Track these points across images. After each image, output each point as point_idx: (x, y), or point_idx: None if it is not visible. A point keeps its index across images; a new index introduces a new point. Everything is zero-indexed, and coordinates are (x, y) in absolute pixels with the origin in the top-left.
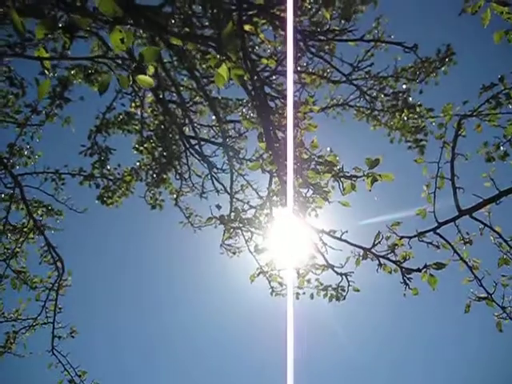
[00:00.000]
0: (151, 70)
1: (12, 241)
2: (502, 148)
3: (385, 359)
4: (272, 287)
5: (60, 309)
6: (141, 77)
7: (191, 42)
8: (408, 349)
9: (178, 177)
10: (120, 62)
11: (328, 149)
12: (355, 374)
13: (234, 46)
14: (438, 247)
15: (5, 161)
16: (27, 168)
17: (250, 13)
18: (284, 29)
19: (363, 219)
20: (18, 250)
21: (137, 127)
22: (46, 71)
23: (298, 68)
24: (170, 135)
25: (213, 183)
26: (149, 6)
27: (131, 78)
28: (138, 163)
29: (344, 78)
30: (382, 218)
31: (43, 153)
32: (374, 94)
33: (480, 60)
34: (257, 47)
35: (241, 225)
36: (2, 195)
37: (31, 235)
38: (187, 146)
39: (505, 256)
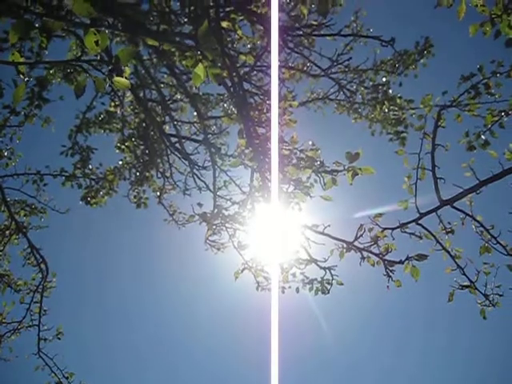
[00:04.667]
0: (128, 71)
1: None
2: (482, 137)
3: (370, 351)
4: (258, 282)
5: (45, 311)
6: (117, 79)
7: (168, 42)
8: (393, 339)
9: (160, 175)
10: (96, 64)
11: (310, 142)
12: (341, 367)
13: (211, 45)
14: (420, 238)
15: None
16: (7, 170)
17: (228, 9)
18: (262, 24)
19: (347, 212)
20: (0, 252)
21: (118, 126)
22: (21, 76)
23: (278, 63)
24: (152, 133)
25: (194, 181)
26: (126, 4)
27: (107, 81)
28: (120, 162)
29: (323, 73)
30: (365, 211)
31: (23, 154)
32: (354, 87)
33: (457, 52)
34: (235, 43)
35: (224, 221)
36: None
37: (14, 237)
38: (168, 144)
39: (486, 244)
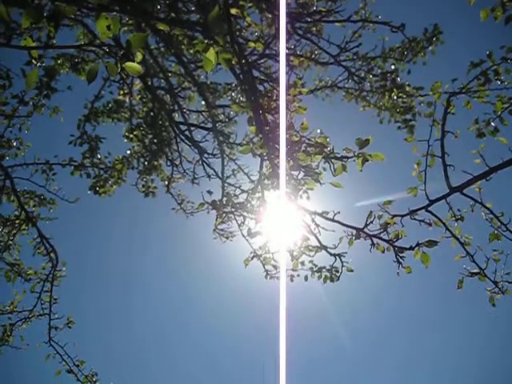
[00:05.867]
0: (139, 57)
1: (4, 233)
2: (492, 124)
3: (378, 339)
4: (266, 270)
5: (55, 300)
6: (129, 64)
7: (178, 26)
8: (401, 327)
9: (169, 163)
10: (107, 49)
11: (318, 131)
12: (348, 357)
13: (221, 30)
14: (430, 225)
15: None
16: (17, 159)
17: None
18: (271, 12)
19: (356, 200)
20: (10, 242)
21: (126, 115)
22: (33, 61)
23: (286, 50)
24: (160, 122)
25: (204, 169)
26: None
27: (119, 66)
28: (128, 151)
29: (332, 60)
30: (374, 199)
31: (32, 144)
32: (363, 74)
33: (468, 38)
34: (244, 30)
35: (233, 209)
36: None
37: (24, 227)
38: (177, 132)
39: (496, 231)
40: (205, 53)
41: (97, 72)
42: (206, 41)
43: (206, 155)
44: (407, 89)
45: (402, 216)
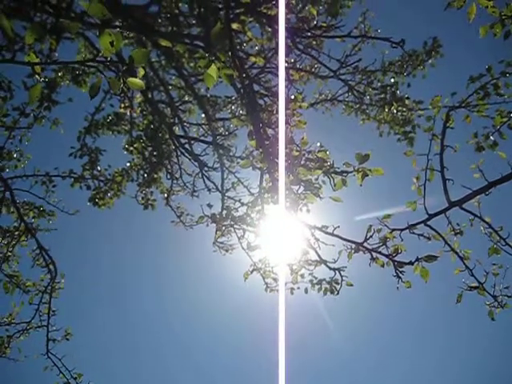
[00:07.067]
0: (142, 72)
1: (3, 244)
2: (491, 138)
3: (378, 351)
4: (266, 283)
5: (54, 312)
6: (131, 79)
7: (179, 42)
8: (401, 340)
9: (168, 176)
10: (109, 64)
11: (318, 144)
12: (348, 368)
13: (223, 46)
14: (429, 239)
15: None
16: (17, 171)
17: (237, 11)
18: (271, 26)
19: (355, 214)
20: (9, 253)
21: (126, 128)
22: (37, 76)
23: (286, 65)
24: (160, 135)
25: (204, 182)
26: (136, 6)
27: (121, 81)
28: (128, 164)
29: (332, 74)
30: (374, 213)
31: (32, 156)
32: (362, 88)
33: (467, 54)
34: (244, 44)
35: (233, 223)
36: None
37: (23, 238)
38: (177, 145)
39: (495, 246)
40: (206, 69)
41: (99, 87)
42: (207, 55)
43: (205, 168)
44: (407, 102)
45: (401, 230)
